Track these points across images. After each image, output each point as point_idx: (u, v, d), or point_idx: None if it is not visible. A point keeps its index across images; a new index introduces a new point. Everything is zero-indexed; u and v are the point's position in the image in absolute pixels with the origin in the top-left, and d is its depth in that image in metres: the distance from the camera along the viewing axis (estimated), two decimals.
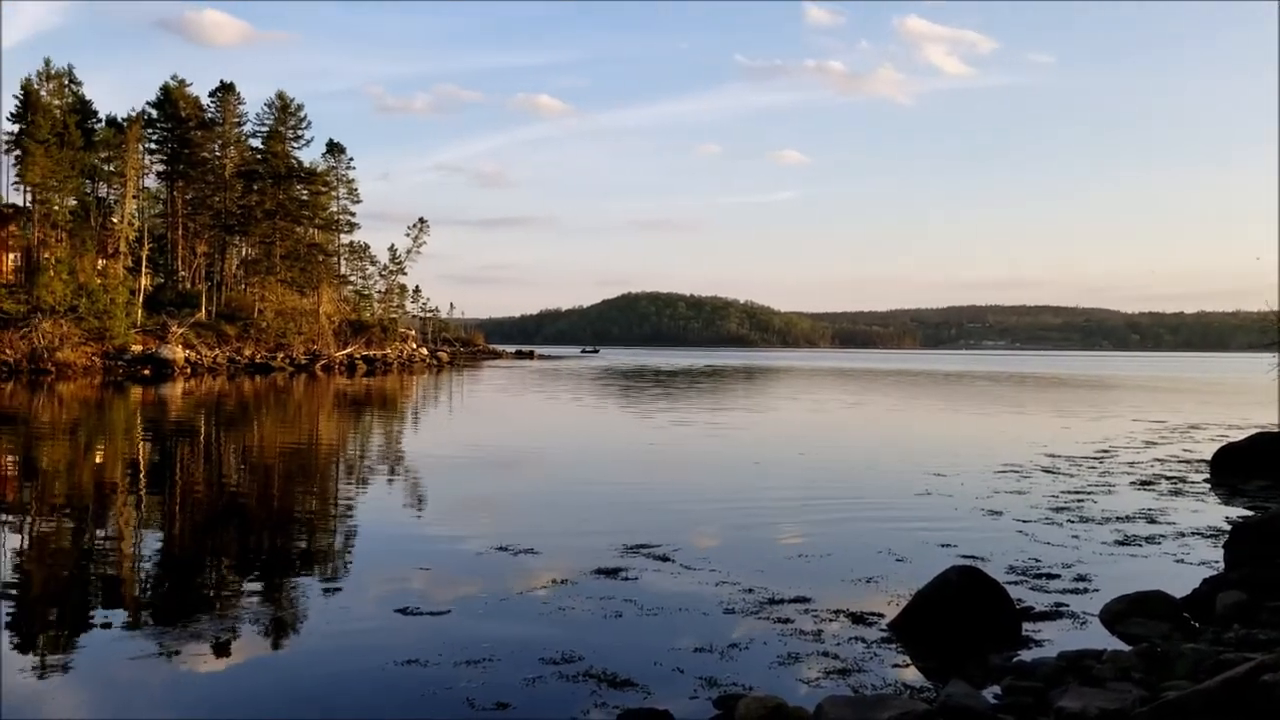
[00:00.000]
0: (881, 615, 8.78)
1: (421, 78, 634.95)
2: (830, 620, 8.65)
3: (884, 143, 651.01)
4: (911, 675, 7.37)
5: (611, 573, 10.24)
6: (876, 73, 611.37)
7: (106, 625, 8.76)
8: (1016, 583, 9.88)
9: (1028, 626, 8.47)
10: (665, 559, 10.91)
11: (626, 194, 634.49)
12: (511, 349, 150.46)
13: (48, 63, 67.76)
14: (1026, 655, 7.67)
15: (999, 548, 11.74)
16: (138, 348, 61.18)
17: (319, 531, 13.25)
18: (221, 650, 7.89)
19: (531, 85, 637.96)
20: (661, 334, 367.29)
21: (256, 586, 10.12)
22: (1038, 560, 11.11)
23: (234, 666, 7.61)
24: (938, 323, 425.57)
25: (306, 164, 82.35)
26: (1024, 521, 13.62)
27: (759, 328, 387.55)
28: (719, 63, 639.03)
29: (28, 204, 64.58)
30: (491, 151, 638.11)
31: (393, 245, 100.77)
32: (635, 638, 8.16)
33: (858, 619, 8.69)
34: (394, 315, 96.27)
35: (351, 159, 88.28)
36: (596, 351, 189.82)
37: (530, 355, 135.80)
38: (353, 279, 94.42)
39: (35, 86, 64.77)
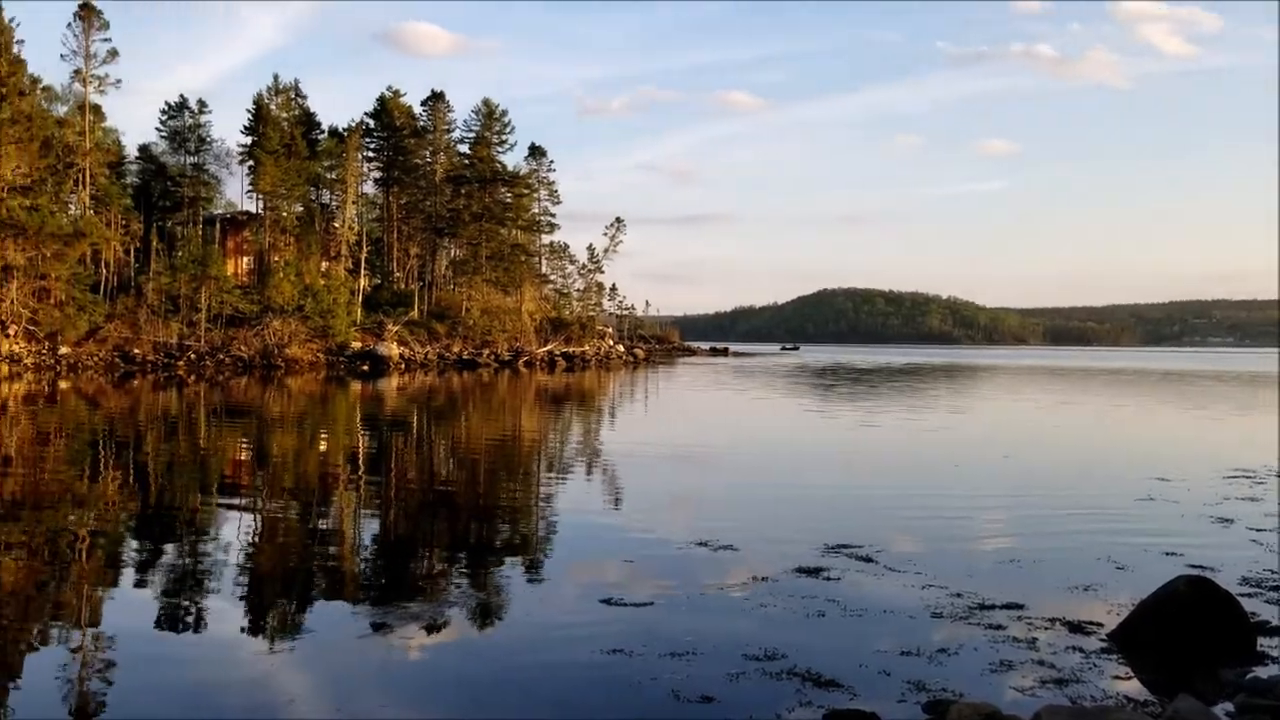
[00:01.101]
0: (1100, 625, 8.31)
1: (620, 79, 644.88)
2: (1045, 628, 8.25)
3: (1098, 128, 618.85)
4: (1133, 688, 6.96)
5: (812, 572, 10.09)
6: (1089, 55, 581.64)
7: (329, 605, 9.33)
8: (1250, 595, 9.15)
9: (1263, 641, 7.84)
10: (867, 560, 10.67)
11: (822, 188, 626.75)
12: (706, 346, 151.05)
13: (276, 78, 72.86)
14: (1262, 672, 7.11)
15: (1230, 557, 10.91)
16: (357, 344, 64.87)
17: (522, 521, 13.68)
18: (434, 632, 8.23)
19: (726, 82, 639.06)
20: (858, 331, 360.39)
21: (465, 572, 10.52)
22: (1274, 572, 10.27)
23: (445, 649, 7.93)
24: (1159, 319, 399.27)
25: (510, 168, 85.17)
26: (1259, 530, 12.61)
27: (963, 324, 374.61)
28: (920, 51, 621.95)
29: (260, 210, 69.54)
30: (686, 149, 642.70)
31: (591, 245, 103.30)
32: (838, 638, 8.01)
33: (1074, 628, 8.26)
34: (592, 313, 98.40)
35: (552, 161, 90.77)
36: (796, 348, 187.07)
37: (725, 352, 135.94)
38: (553, 278, 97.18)
39: (265, 101, 69.64)
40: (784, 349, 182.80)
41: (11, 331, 52.42)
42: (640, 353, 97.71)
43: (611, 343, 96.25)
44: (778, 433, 28.29)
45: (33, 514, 13.44)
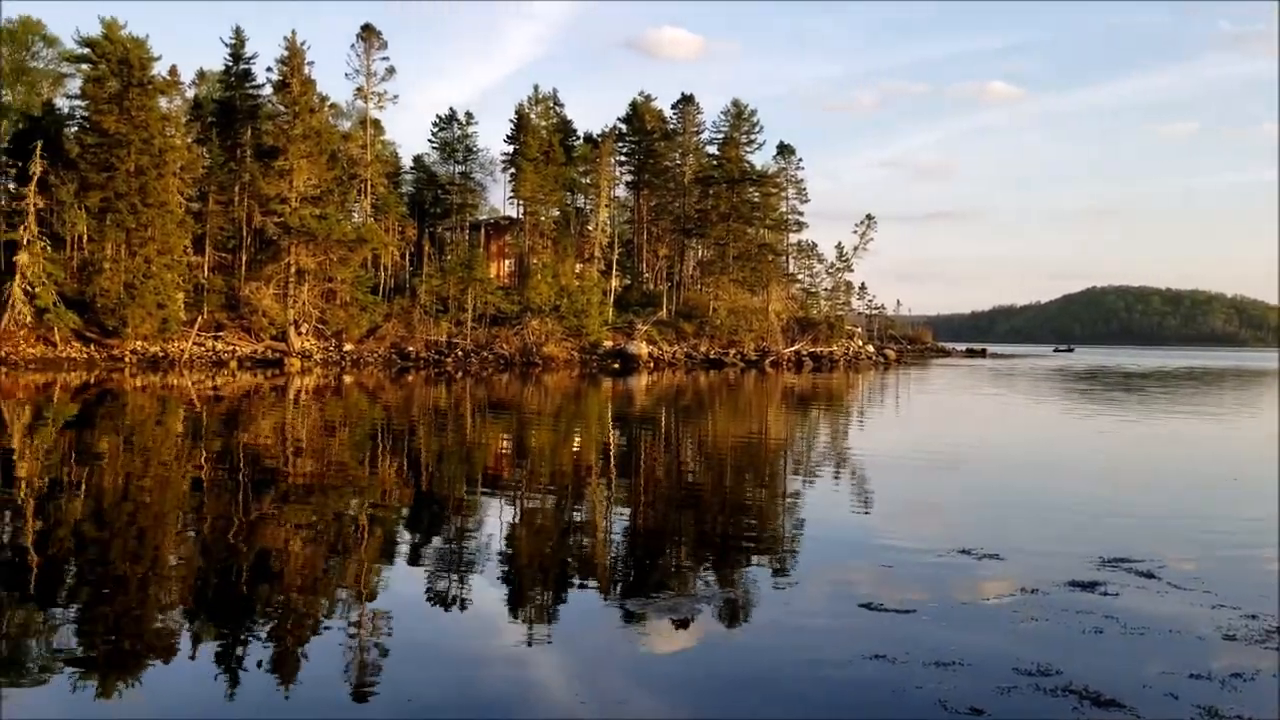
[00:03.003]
0: None
1: (865, 74, 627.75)
2: None
3: None
4: None
5: (1087, 586, 9.41)
6: None
7: (582, 593, 9.54)
8: None
9: None
10: (1148, 575, 9.83)
11: (1087, 180, 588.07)
12: (961, 347, 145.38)
13: (536, 89, 76.27)
14: None
15: None
16: (608, 343, 66.81)
17: (769, 521, 13.54)
18: (683, 627, 8.24)
19: (980, 72, 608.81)
20: (1131, 331, 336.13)
21: (713, 569, 10.49)
22: None
23: (695, 644, 7.92)
24: None
25: (758, 167, 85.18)
26: None
27: (1250, 324, 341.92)
28: (1191, 33, 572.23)
29: (520, 215, 72.84)
30: (936, 143, 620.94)
31: (840, 243, 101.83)
32: (1118, 657, 7.41)
33: None
34: (840, 312, 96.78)
35: (800, 160, 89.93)
36: (1070, 350, 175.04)
37: (981, 353, 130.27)
38: (801, 277, 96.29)
39: (526, 110, 72.88)
40: (1056, 350, 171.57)
41: (304, 330, 57.45)
42: (891, 354, 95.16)
43: (860, 343, 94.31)
44: (1039, 438, 26.77)
45: (320, 497, 14.58)
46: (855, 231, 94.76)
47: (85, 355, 50.40)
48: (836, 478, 18.01)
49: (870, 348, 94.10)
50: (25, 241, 49.43)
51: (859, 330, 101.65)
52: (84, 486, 15.06)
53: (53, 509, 13.24)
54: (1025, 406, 38.50)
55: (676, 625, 8.28)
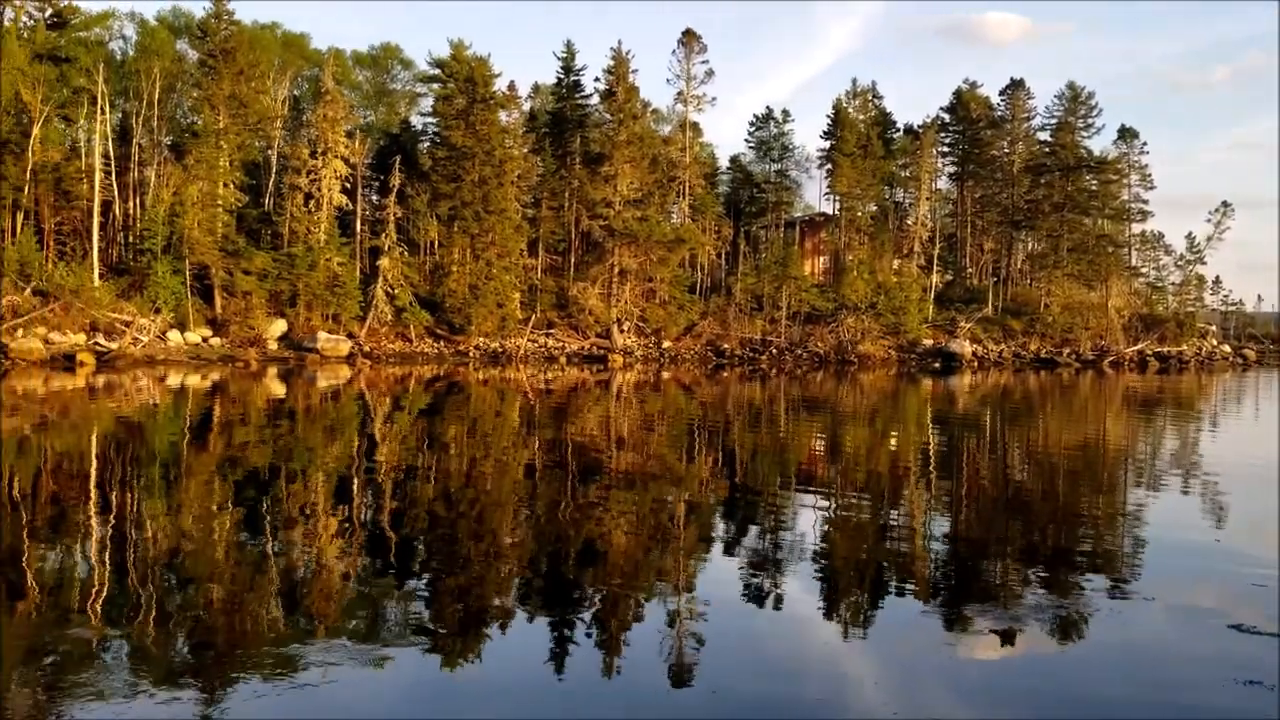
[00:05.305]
0: None
1: (1222, 45, 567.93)
2: None
3: None
4: None
5: None
6: None
7: (899, 600, 9.32)
8: None
9: None
10: None
11: None
12: None
13: (854, 82, 75.16)
14: None
15: None
16: (928, 342, 64.74)
17: (1107, 533, 12.58)
18: (1007, 642, 7.85)
19: None
20: None
21: (1041, 582, 9.87)
22: None
23: (1020, 660, 7.54)
24: None
25: (1096, 153, 79.26)
26: None
27: None
28: None
29: (835, 211, 72.14)
30: None
31: (1190, 233, 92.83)
32: None
33: None
34: (1190, 309, 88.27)
35: (1145, 144, 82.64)
36: None
37: None
38: (1144, 270, 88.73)
39: (844, 104, 72.00)
40: None
41: (625, 327, 59.97)
42: (1250, 353, 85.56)
43: (1214, 342, 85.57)
44: None
45: (641, 489, 15.16)
46: (1208, 220, 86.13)
47: (436, 350, 55.20)
48: (1185, 488, 16.45)
49: (1226, 347, 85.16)
50: (386, 247, 54.86)
51: (1213, 328, 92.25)
52: (434, 470, 16.54)
53: (408, 490, 14.63)
54: None
55: (1000, 638, 7.90)
